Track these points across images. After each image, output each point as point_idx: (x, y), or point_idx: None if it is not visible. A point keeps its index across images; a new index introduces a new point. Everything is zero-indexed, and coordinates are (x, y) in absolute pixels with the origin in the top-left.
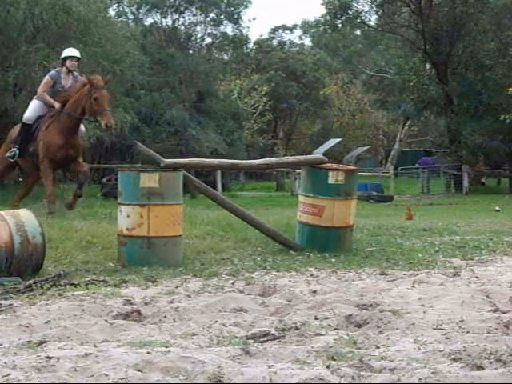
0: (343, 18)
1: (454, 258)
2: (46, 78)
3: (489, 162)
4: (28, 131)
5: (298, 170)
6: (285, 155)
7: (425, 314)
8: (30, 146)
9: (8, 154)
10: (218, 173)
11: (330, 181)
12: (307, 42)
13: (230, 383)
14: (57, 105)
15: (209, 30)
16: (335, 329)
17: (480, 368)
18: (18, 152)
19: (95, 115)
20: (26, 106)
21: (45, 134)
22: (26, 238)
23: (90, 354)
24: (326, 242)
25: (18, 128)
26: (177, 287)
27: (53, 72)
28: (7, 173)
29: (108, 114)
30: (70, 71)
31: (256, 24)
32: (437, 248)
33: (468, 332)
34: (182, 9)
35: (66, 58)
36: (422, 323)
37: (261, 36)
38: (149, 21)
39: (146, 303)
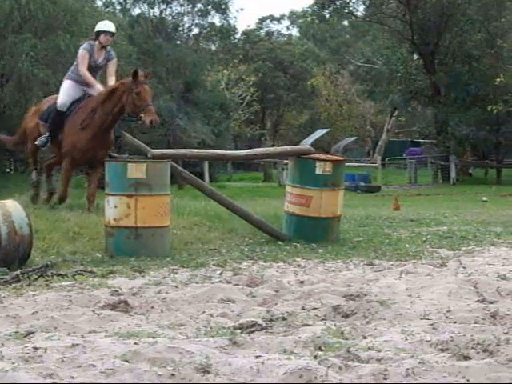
0: (331, 8)
1: (441, 248)
2: (81, 52)
3: (476, 152)
4: (61, 119)
5: (285, 161)
6: (272, 146)
7: (412, 305)
8: (59, 133)
9: (38, 142)
10: (206, 163)
11: (318, 171)
12: (295, 32)
13: (218, 374)
14: (98, 85)
15: (196, 21)
16: (322, 319)
17: (467, 358)
18: (49, 139)
19: (137, 112)
20: (13, 97)
21: (75, 133)
22: (13, 229)
23: (78, 344)
24: (314, 233)
25: (50, 100)
26: (164, 278)
27: (86, 45)
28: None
29: (152, 109)
30: (103, 46)
31: (243, 14)
32: (424, 238)
33: (455, 322)
34: None
35: (99, 33)
36: (409, 313)
37: (248, 26)
38: (136, 11)
39: (133, 294)
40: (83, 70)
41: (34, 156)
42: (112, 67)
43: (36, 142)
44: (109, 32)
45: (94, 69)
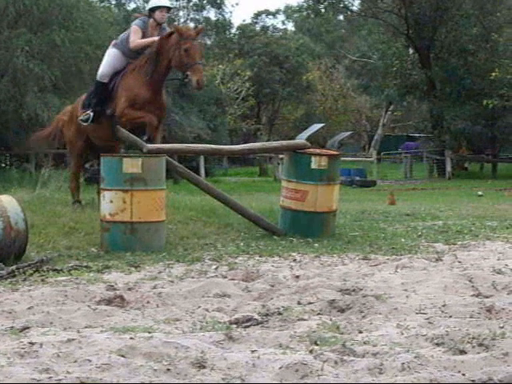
0: (326, 2)
1: (436, 242)
2: (134, 27)
3: (471, 146)
4: (104, 90)
5: (281, 155)
6: (268, 140)
7: (407, 299)
8: (107, 107)
9: (81, 118)
10: (201, 158)
11: (313, 166)
12: (290, 26)
13: (213, 368)
14: (156, 38)
15: (191, 15)
16: (318, 314)
17: (462, 352)
18: (92, 115)
19: (184, 69)
20: (8, 92)
21: (132, 88)
22: (8, 224)
23: (73, 339)
24: (309, 227)
25: (82, 97)
26: (160, 273)
27: (138, 21)
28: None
29: (200, 68)
30: (158, 24)
31: (239, 9)
32: (419, 233)
33: (451, 316)
34: None
35: (154, 9)
36: (405, 308)
37: (244, 21)
38: (131, 6)
39: (129, 289)
40: (135, 40)
41: (77, 176)
42: None
43: (79, 118)
44: (164, 7)
45: (146, 48)
